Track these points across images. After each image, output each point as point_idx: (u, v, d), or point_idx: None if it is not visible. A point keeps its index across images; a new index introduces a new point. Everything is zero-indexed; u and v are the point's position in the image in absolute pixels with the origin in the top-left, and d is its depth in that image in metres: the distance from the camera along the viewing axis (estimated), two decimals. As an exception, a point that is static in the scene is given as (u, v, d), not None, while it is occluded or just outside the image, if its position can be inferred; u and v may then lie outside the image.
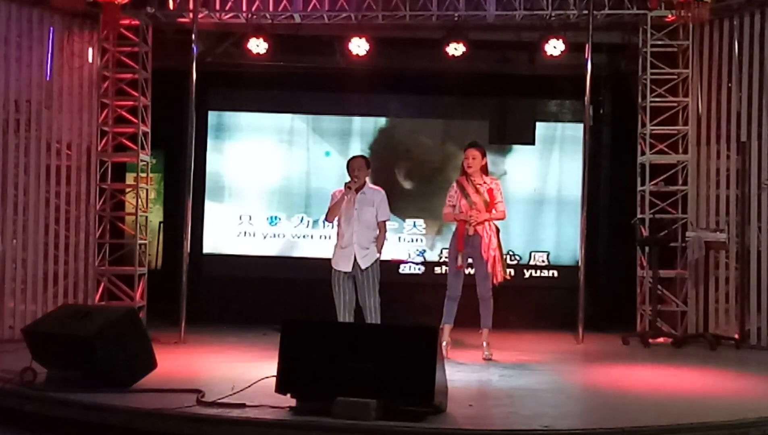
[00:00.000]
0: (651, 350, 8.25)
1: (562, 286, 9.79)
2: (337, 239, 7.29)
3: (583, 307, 8.63)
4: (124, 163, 9.61)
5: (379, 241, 7.30)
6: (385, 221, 7.35)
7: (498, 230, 7.42)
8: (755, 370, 7.14)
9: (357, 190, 7.20)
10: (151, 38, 9.23)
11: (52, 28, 8.68)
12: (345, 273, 7.18)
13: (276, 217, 10.27)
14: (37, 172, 8.53)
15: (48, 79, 8.65)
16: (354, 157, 7.47)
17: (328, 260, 7.34)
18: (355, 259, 7.15)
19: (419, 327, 5.13)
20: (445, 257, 8.13)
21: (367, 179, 7.36)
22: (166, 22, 9.27)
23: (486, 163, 7.47)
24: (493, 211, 7.35)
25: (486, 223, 7.31)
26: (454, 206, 7.45)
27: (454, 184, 7.50)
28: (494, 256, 7.29)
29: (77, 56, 8.89)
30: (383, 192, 7.41)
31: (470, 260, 7.40)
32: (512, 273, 7.63)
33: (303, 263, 10.05)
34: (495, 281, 7.34)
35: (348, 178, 7.25)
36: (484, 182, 7.39)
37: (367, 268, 7.17)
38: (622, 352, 8.21)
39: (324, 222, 7.76)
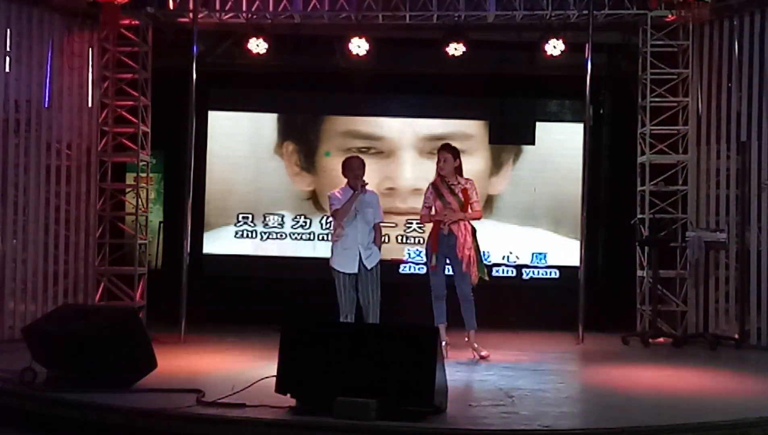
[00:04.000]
0: (651, 350, 8.25)
1: (562, 286, 9.79)
2: (338, 240, 7.29)
3: (583, 307, 8.63)
4: (124, 163, 9.62)
5: (377, 242, 7.35)
6: (380, 223, 7.40)
7: (474, 230, 7.42)
8: (755, 370, 7.14)
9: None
10: (151, 38, 9.24)
11: (52, 28, 8.68)
12: (350, 274, 7.20)
13: (276, 217, 10.27)
14: (37, 172, 8.53)
15: (48, 80, 8.65)
16: (353, 157, 7.48)
17: (328, 260, 7.33)
18: (361, 260, 7.18)
19: (419, 327, 5.13)
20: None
21: None
22: (166, 22, 9.27)
23: (460, 164, 7.49)
24: (469, 210, 7.36)
25: (461, 223, 7.33)
26: (430, 208, 7.50)
27: (429, 186, 7.55)
28: (469, 256, 7.29)
29: (77, 56, 8.89)
30: (377, 194, 7.51)
31: (448, 260, 7.41)
32: (487, 274, 7.49)
33: (303, 263, 10.06)
34: (471, 282, 7.32)
35: (343, 178, 7.31)
36: (459, 183, 7.43)
37: (372, 267, 7.21)
38: (622, 352, 8.20)
39: (321, 222, 7.71)
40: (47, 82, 8.66)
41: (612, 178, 10.33)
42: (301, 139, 10.41)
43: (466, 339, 7.40)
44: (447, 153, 7.45)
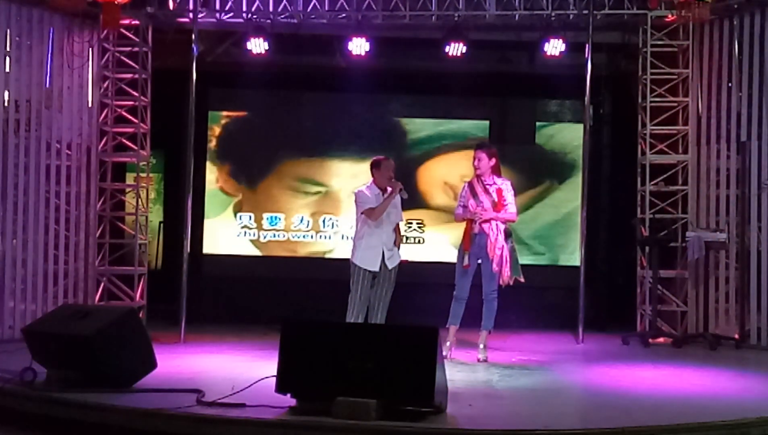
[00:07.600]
0: (651, 350, 8.26)
1: (562, 286, 9.76)
2: (363, 238, 7.29)
3: (583, 307, 8.63)
4: (124, 163, 9.62)
5: (397, 243, 7.39)
6: (399, 223, 7.45)
7: (509, 231, 7.36)
8: (755, 370, 7.15)
9: (384, 193, 7.25)
10: (151, 38, 9.24)
11: (52, 28, 8.68)
12: (371, 272, 7.22)
13: (276, 217, 10.26)
14: (37, 172, 8.53)
15: (47, 80, 8.65)
16: (386, 159, 7.47)
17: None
18: (383, 259, 7.22)
19: (419, 327, 5.13)
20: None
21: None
22: (166, 22, 9.27)
23: (496, 164, 7.44)
24: (502, 211, 7.31)
25: (494, 223, 7.27)
26: (464, 206, 7.44)
27: (465, 185, 7.51)
28: (501, 255, 7.21)
29: (77, 56, 8.89)
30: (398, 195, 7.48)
31: (480, 261, 7.35)
32: (521, 278, 7.35)
33: (303, 263, 10.04)
34: (502, 282, 7.27)
35: (370, 178, 7.37)
36: (494, 183, 7.39)
37: (392, 268, 7.27)
38: (622, 352, 8.21)
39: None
40: (47, 82, 8.66)
41: (612, 178, 10.32)
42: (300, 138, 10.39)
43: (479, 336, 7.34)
44: (481, 152, 7.41)
